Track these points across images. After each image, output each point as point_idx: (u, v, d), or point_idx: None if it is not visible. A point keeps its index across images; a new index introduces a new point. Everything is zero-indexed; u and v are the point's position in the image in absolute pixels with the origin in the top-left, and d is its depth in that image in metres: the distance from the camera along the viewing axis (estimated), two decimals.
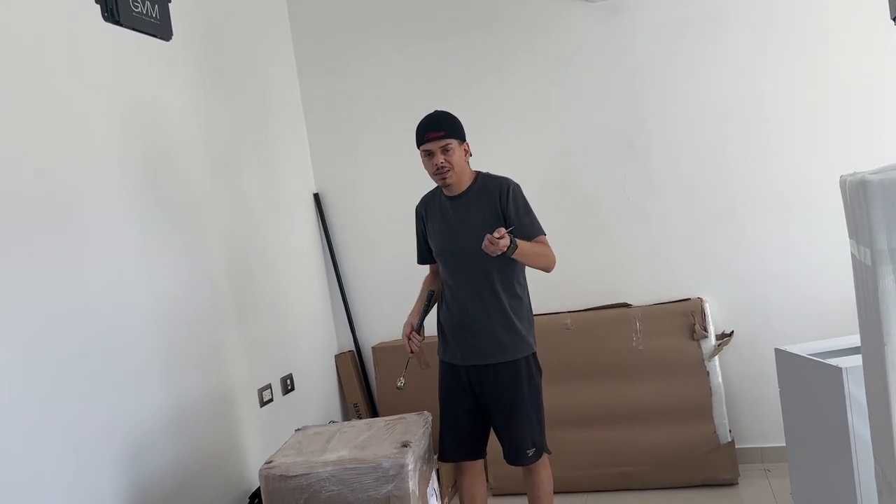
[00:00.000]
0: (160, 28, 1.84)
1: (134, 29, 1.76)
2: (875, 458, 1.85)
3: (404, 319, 3.97)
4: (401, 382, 2.80)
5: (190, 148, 3.10)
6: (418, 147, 2.70)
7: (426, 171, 2.74)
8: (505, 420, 2.73)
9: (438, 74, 3.90)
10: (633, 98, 3.67)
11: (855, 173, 1.63)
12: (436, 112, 2.73)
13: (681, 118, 3.62)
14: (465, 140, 2.72)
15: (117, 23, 1.67)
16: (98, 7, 1.69)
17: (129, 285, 2.64)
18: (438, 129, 2.64)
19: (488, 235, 2.45)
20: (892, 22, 2.44)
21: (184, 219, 2.99)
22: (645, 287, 3.71)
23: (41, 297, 2.25)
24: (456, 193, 2.74)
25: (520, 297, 2.74)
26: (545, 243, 2.72)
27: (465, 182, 2.74)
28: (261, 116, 3.69)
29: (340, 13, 4.02)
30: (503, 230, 2.46)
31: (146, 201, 2.77)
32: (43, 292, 2.26)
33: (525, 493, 2.90)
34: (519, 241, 2.52)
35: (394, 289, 4.01)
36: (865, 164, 1.83)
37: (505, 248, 2.45)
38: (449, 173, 2.66)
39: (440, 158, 2.64)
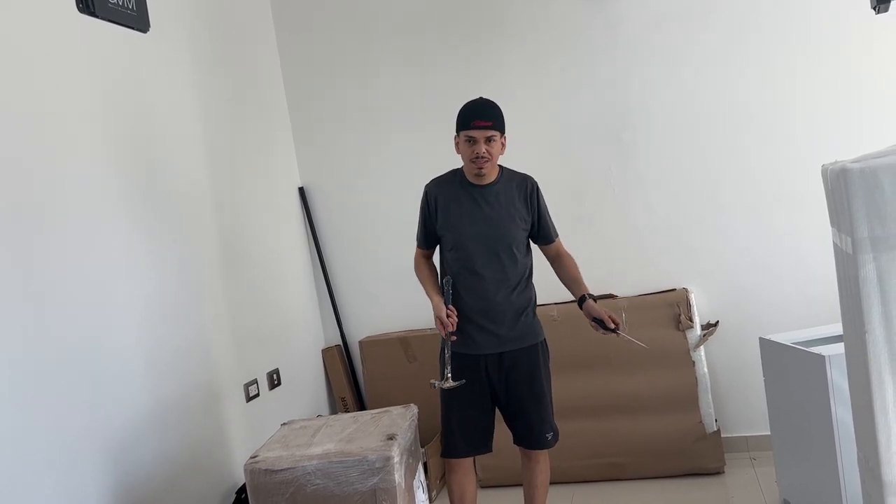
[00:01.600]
0: (137, 20, 1.82)
1: (109, 20, 1.73)
2: (857, 445, 1.86)
3: (391, 313, 4.01)
4: (448, 381, 2.62)
5: (173, 142, 3.07)
6: (459, 131, 2.67)
7: (460, 154, 2.70)
8: (525, 406, 2.75)
9: (423, 68, 3.88)
10: (619, 90, 3.67)
11: (836, 162, 1.63)
12: (484, 99, 2.70)
13: (666, 110, 3.63)
14: (504, 133, 2.72)
15: (92, 14, 1.64)
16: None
17: (113, 280, 2.61)
18: (487, 119, 2.63)
19: (606, 328, 2.68)
20: (873, 12, 2.45)
21: (168, 213, 2.96)
22: (631, 278, 3.71)
23: (22, 294, 2.22)
24: (484, 182, 2.73)
25: (532, 285, 2.82)
26: (561, 245, 2.90)
27: (494, 172, 2.76)
28: (245, 110, 3.66)
29: (324, 6, 3.99)
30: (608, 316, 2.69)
31: (128, 196, 2.74)
32: (24, 290, 2.23)
33: (515, 484, 2.91)
34: (582, 287, 2.79)
35: (381, 283, 4.01)
36: (847, 153, 1.84)
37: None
38: (486, 164, 2.66)
39: (483, 148, 2.63)
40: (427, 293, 2.78)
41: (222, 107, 3.45)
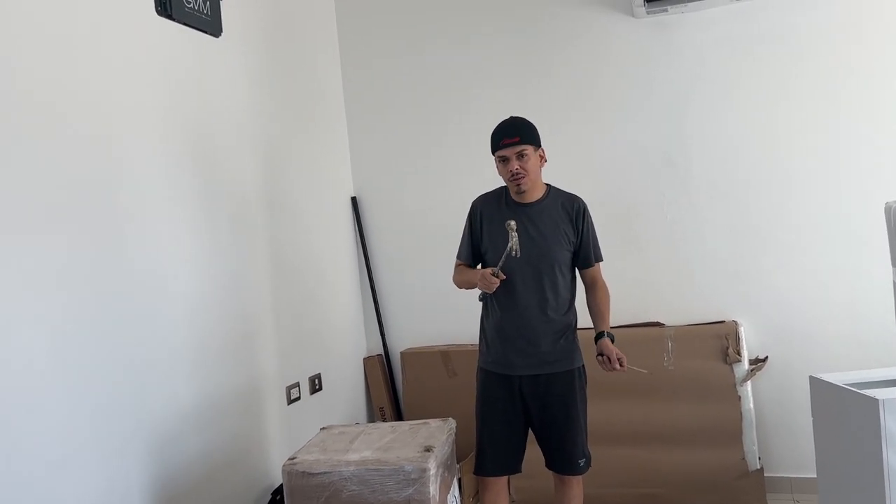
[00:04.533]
0: (210, 24, 1.88)
1: (185, 24, 1.80)
2: None
3: (434, 326, 4.03)
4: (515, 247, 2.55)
5: (235, 144, 3.15)
6: (493, 153, 2.69)
7: (500, 177, 2.73)
8: (558, 430, 2.72)
9: (481, 83, 3.91)
10: (676, 116, 3.64)
11: None
12: (511, 118, 2.72)
13: (722, 138, 3.58)
14: (540, 146, 2.71)
15: (169, 17, 1.71)
16: (152, 1, 1.73)
17: (168, 275, 2.68)
18: (513, 136, 2.64)
19: (605, 366, 2.67)
20: None
21: (222, 214, 3.04)
22: (679, 307, 3.66)
23: (81, 280, 2.29)
24: (529, 200, 2.72)
25: (573, 308, 2.78)
26: (599, 272, 2.83)
27: (539, 190, 2.74)
28: (304, 117, 3.74)
29: (387, 16, 4.06)
30: (618, 359, 2.67)
31: (186, 194, 2.82)
32: (83, 276, 2.30)
33: None
34: (605, 324, 2.75)
35: (425, 295, 4.03)
36: None
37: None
38: (524, 179, 2.65)
39: (515, 165, 2.63)
40: (469, 277, 2.74)
41: (282, 113, 3.52)
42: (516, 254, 2.54)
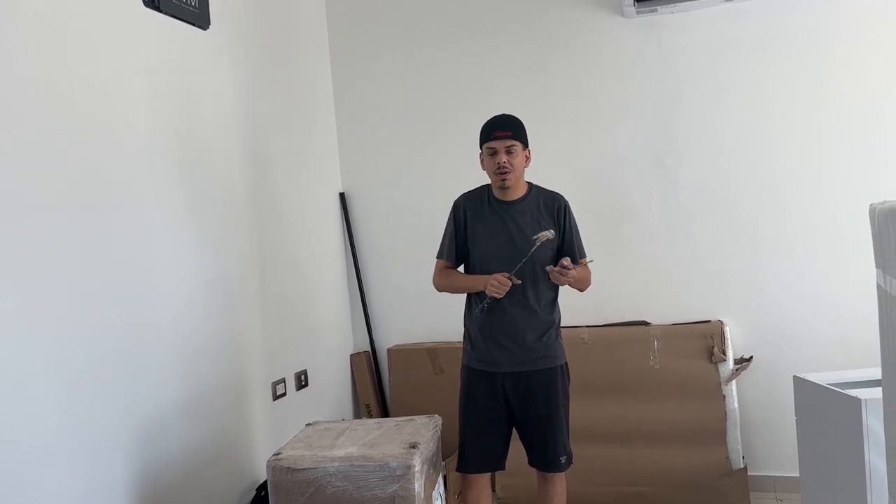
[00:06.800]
0: (198, 17, 1.87)
1: (173, 16, 1.78)
2: (890, 493, 1.81)
3: (421, 323, 4.03)
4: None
5: (223, 139, 3.13)
6: (482, 145, 2.71)
7: (485, 170, 2.74)
8: (540, 428, 2.73)
9: (471, 82, 3.91)
10: (667, 116, 3.65)
11: (885, 202, 1.61)
12: (505, 114, 2.76)
13: (711, 138, 3.60)
14: (528, 146, 2.74)
15: (157, 9, 1.70)
16: None
17: (155, 270, 2.67)
18: (506, 129, 2.67)
19: (555, 269, 2.58)
20: None
21: (213, 208, 3.02)
22: (665, 306, 3.68)
23: (67, 274, 2.27)
24: (510, 198, 2.74)
25: (557, 306, 2.79)
26: (586, 266, 2.83)
27: (521, 188, 2.76)
28: (293, 113, 3.72)
29: (377, 14, 4.05)
30: (568, 260, 2.60)
31: (177, 188, 2.80)
32: (73, 269, 2.29)
33: None
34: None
35: (413, 292, 4.02)
36: None
37: (573, 279, 2.62)
38: (509, 175, 2.67)
39: (503, 158, 2.65)
40: (470, 283, 2.75)
41: (270, 107, 3.51)
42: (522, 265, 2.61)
